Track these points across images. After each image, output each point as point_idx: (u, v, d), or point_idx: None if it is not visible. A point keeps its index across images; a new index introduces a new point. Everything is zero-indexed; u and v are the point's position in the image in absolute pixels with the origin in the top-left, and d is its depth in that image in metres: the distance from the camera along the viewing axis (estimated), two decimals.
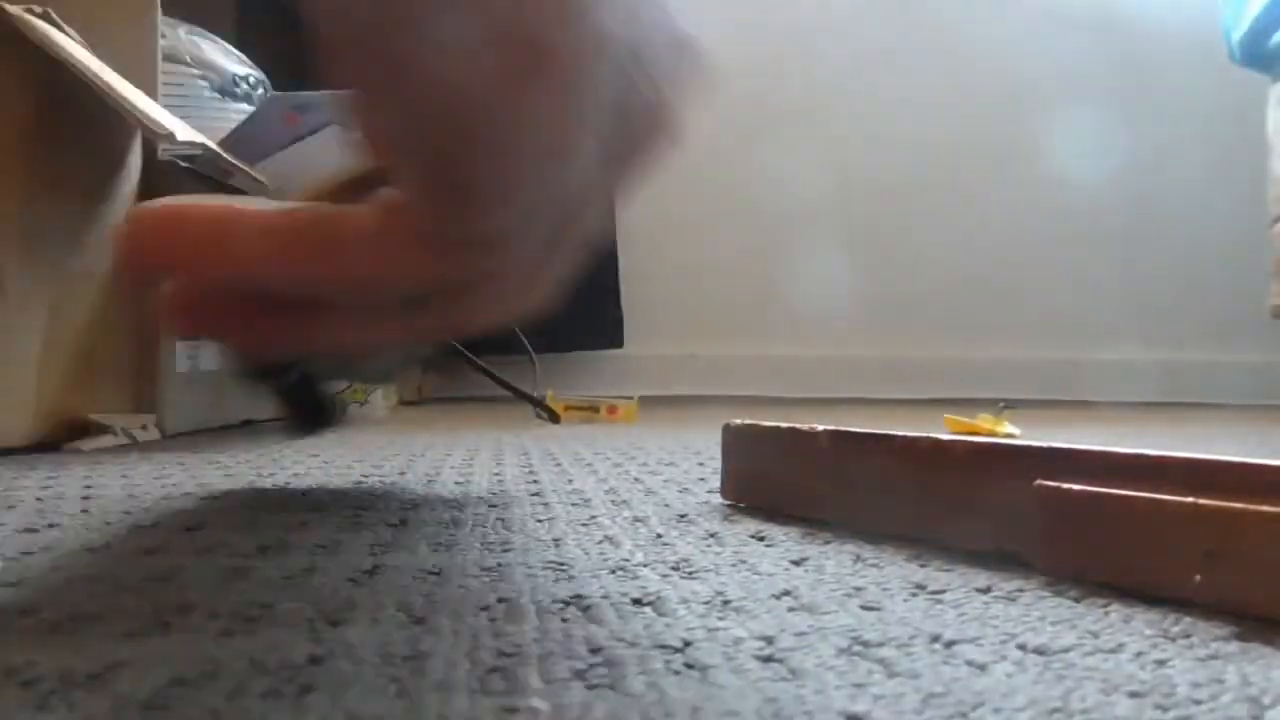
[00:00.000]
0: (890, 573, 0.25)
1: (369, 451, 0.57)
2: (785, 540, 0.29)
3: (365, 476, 0.44)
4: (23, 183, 0.54)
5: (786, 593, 0.23)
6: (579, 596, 0.22)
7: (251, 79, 0.87)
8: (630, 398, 0.98)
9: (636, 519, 0.33)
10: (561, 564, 0.26)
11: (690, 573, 0.25)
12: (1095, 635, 0.19)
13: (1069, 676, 0.17)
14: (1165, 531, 0.22)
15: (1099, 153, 1.49)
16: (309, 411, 0.35)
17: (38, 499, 0.36)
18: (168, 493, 0.38)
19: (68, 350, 0.57)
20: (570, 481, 0.43)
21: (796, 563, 0.26)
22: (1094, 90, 1.53)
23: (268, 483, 0.42)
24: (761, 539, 0.30)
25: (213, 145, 0.60)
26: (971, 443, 0.28)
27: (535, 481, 0.43)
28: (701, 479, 0.44)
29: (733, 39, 1.50)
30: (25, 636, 0.19)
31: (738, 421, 0.37)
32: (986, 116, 1.54)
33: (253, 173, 0.66)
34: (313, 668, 0.17)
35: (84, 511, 0.34)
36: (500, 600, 0.22)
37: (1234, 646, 0.19)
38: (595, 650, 0.18)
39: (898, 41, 1.54)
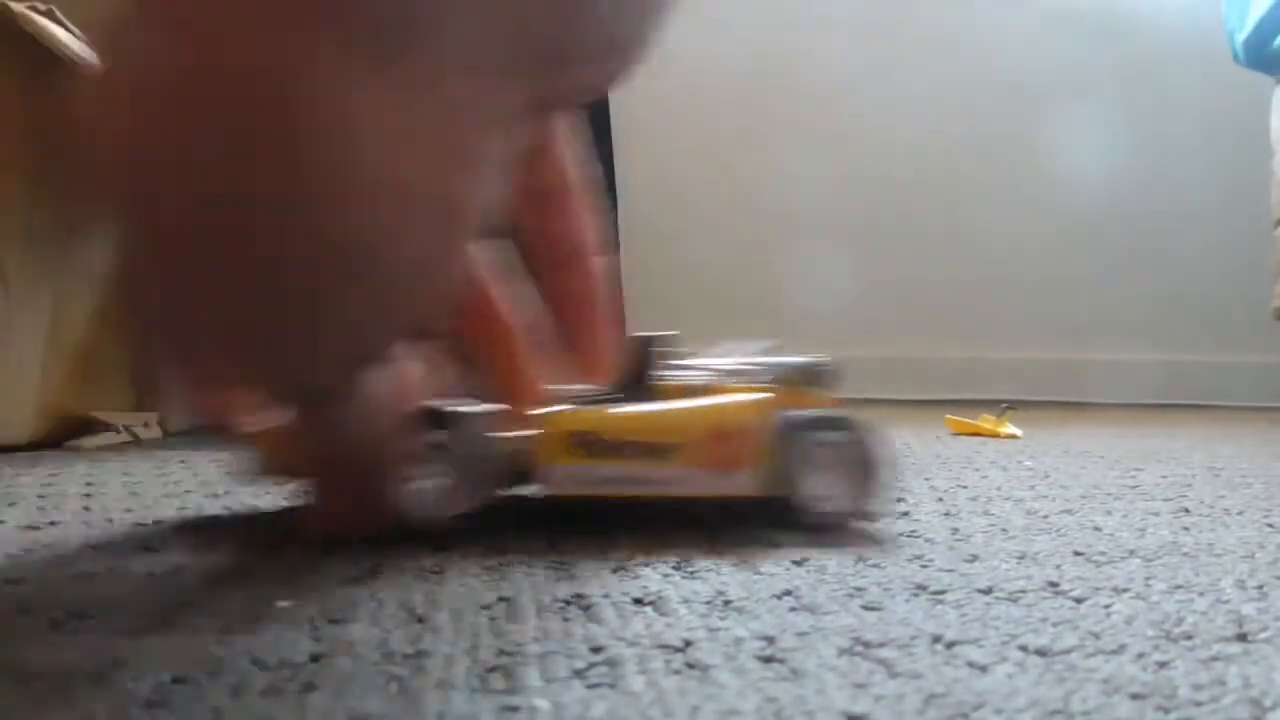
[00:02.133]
0: (892, 573, 0.25)
1: None
2: (787, 540, 0.29)
3: None
4: (25, 181, 0.54)
5: (788, 592, 0.23)
6: (580, 596, 0.22)
7: None
8: None
9: (638, 518, 0.33)
10: (562, 563, 0.26)
11: (691, 572, 0.25)
12: (1097, 636, 0.19)
13: (1070, 678, 0.17)
14: None
15: (1101, 153, 1.49)
16: None
17: (39, 496, 0.36)
18: (169, 490, 0.38)
19: (70, 348, 0.57)
20: None
21: (798, 563, 0.26)
22: (1096, 90, 1.52)
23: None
24: (763, 539, 0.30)
25: None
26: None
27: None
28: None
29: (735, 38, 1.50)
30: (27, 634, 0.19)
31: None
32: (989, 117, 1.54)
33: None
34: (314, 666, 0.17)
35: (85, 509, 0.34)
36: (501, 599, 0.22)
37: (1236, 648, 0.19)
38: (596, 649, 0.18)
39: (901, 41, 1.54)
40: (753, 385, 0.33)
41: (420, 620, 0.20)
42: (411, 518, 0.28)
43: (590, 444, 0.29)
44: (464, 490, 0.29)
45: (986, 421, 0.74)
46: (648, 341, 0.33)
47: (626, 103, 1.44)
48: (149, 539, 0.28)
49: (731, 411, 0.31)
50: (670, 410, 0.31)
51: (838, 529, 0.30)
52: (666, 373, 0.33)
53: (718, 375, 0.34)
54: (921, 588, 0.23)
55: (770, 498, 0.30)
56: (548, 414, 0.30)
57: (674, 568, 0.25)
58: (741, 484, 0.30)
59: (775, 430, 0.30)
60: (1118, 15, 1.54)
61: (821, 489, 0.30)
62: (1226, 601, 0.22)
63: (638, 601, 0.22)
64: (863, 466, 0.31)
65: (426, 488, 0.28)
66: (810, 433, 0.31)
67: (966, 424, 0.74)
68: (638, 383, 0.32)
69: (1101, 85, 1.53)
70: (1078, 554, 0.28)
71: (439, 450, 0.28)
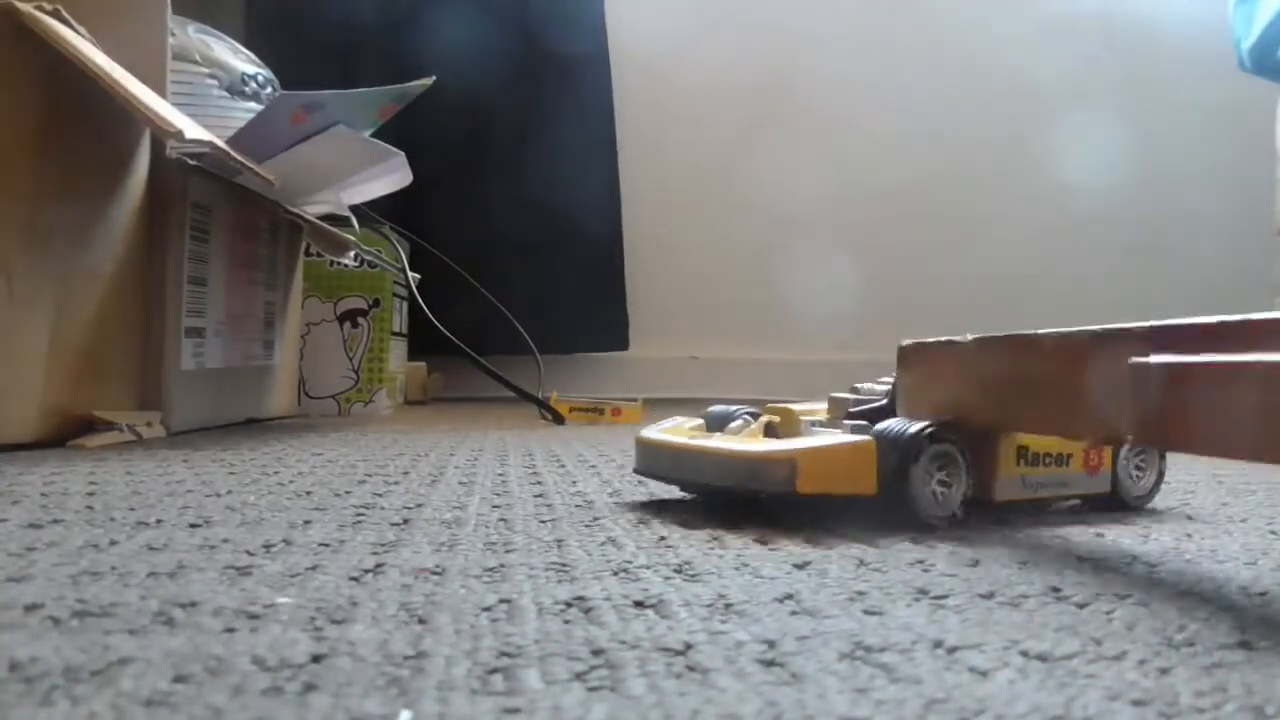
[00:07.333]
0: (893, 577, 0.25)
1: (373, 450, 0.57)
2: (788, 544, 0.29)
3: (369, 475, 0.44)
4: (31, 179, 0.54)
5: (789, 596, 0.23)
6: (581, 598, 0.22)
7: (260, 78, 0.88)
8: (634, 400, 0.98)
9: (640, 521, 0.33)
10: (564, 565, 0.26)
11: (693, 575, 0.25)
12: (1098, 642, 0.19)
13: (1071, 684, 0.17)
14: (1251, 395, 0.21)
15: (1105, 160, 1.49)
16: None
17: (42, 495, 0.36)
18: (172, 490, 0.38)
19: (74, 347, 0.57)
20: (574, 483, 0.43)
21: (799, 566, 0.26)
22: (1101, 97, 1.52)
23: (272, 480, 0.42)
24: (764, 542, 0.30)
25: (221, 143, 0.60)
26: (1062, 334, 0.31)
27: (539, 483, 0.43)
28: None
29: (738, 43, 1.51)
30: (29, 632, 0.19)
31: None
32: (992, 122, 1.54)
33: (260, 171, 0.66)
34: (314, 666, 0.17)
35: (88, 508, 0.34)
36: (502, 601, 0.22)
37: (1238, 655, 0.19)
38: (596, 652, 0.18)
39: (903, 46, 1.54)
40: None
41: (421, 621, 0.20)
42: (923, 514, 0.32)
43: (1027, 455, 0.35)
44: (958, 493, 0.33)
45: None
46: None
47: (630, 108, 1.44)
48: (151, 538, 0.28)
49: None
50: None
51: (1145, 512, 0.37)
52: None
53: None
54: (923, 592, 0.23)
55: (1106, 493, 0.36)
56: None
57: (675, 570, 0.25)
58: (1102, 483, 0.36)
59: None
60: (1122, 21, 1.54)
61: (1137, 483, 0.37)
62: (1229, 608, 0.22)
63: (639, 604, 0.22)
64: (1155, 460, 0.38)
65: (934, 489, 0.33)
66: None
67: None
68: None
69: (1105, 91, 1.53)
70: (1080, 559, 0.28)
71: (944, 456, 0.33)
